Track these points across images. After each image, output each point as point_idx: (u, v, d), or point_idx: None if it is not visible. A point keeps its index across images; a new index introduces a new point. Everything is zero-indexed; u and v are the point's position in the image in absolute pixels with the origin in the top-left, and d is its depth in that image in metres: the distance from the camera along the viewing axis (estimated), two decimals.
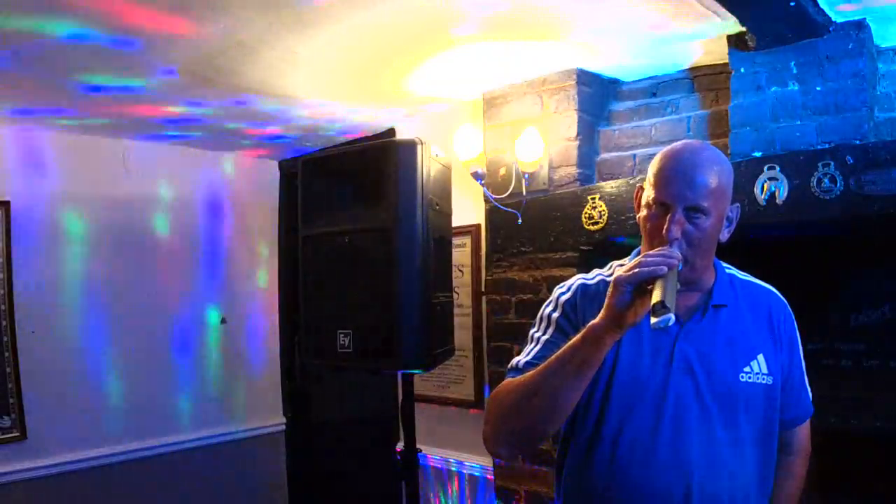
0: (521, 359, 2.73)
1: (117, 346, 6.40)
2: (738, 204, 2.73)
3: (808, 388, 2.92)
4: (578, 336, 2.41)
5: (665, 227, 2.49)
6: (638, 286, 2.29)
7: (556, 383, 2.46)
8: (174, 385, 6.87)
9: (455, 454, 6.01)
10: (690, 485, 2.52)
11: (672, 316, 2.19)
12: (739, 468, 2.62)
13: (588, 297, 2.76)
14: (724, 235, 2.67)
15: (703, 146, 2.69)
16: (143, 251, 6.64)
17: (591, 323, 2.38)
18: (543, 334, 2.76)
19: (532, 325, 2.87)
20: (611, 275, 2.78)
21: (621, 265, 2.84)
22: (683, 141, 2.74)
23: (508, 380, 2.66)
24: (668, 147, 2.66)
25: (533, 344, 2.77)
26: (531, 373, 2.53)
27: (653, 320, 2.20)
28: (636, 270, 2.27)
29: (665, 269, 2.25)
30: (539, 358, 2.63)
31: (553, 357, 2.47)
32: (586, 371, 2.43)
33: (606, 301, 2.33)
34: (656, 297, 2.21)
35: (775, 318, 2.80)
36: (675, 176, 2.52)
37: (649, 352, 2.60)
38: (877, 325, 4.08)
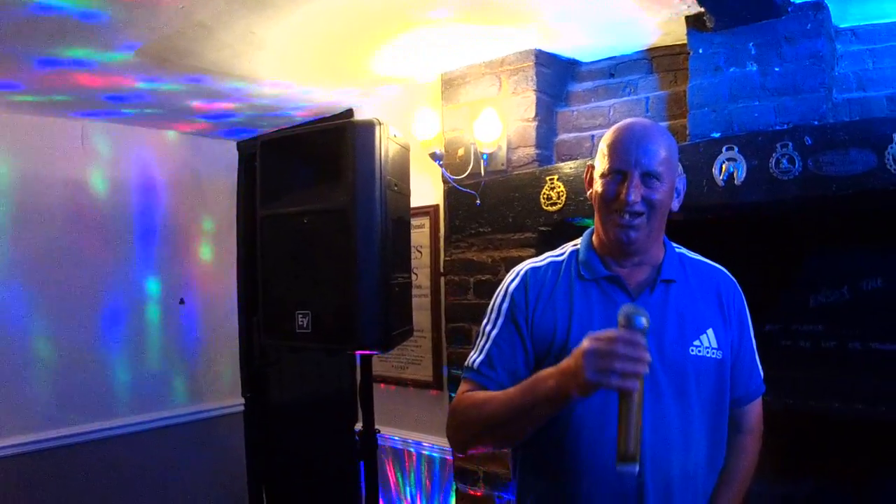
0: (474, 357, 2.81)
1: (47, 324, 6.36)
2: (684, 175, 2.80)
3: (760, 367, 2.97)
4: (540, 390, 2.43)
5: (624, 192, 2.56)
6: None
7: (515, 428, 2.58)
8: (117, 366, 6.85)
9: (413, 435, 6.01)
10: (643, 459, 2.54)
11: (637, 466, 2.22)
12: (689, 442, 2.66)
13: (538, 281, 2.81)
14: (675, 205, 2.75)
15: (650, 121, 2.81)
16: (94, 231, 6.60)
17: (555, 385, 2.38)
18: (493, 328, 2.81)
19: (483, 316, 2.90)
20: (562, 254, 2.87)
21: (574, 246, 2.88)
22: (631, 118, 2.80)
23: (467, 396, 2.73)
24: (618, 123, 2.75)
25: (484, 340, 2.82)
26: (488, 407, 2.62)
27: (618, 463, 2.22)
28: (606, 380, 2.20)
29: (638, 384, 2.22)
30: (493, 356, 2.75)
31: (511, 403, 2.53)
32: (544, 419, 2.51)
33: (577, 373, 2.27)
34: (622, 433, 2.22)
35: (724, 296, 2.84)
36: (630, 145, 2.60)
37: (600, 328, 2.61)
38: (835, 305, 4.10)
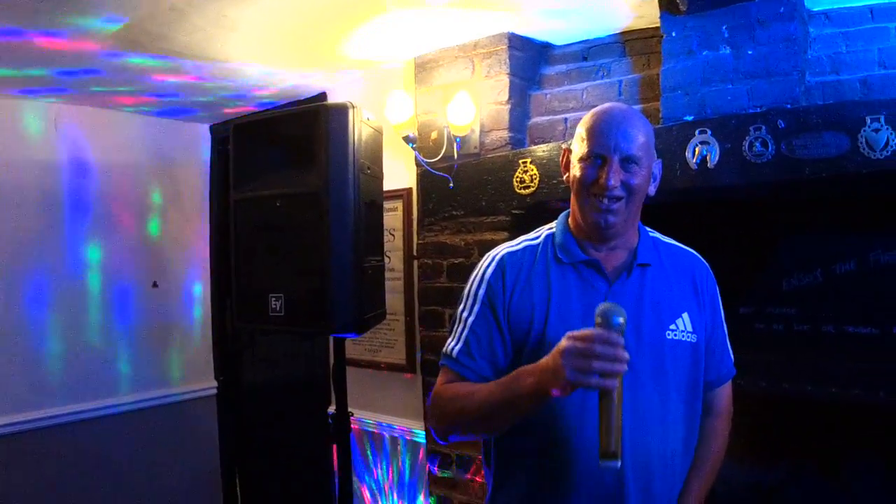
0: (452, 345, 2.80)
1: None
2: (660, 160, 2.81)
3: (730, 350, 3.00)
4: (520, 388, 2.44)
5: (604, 177, 2.57)
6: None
7: (497, 422, 2.61)
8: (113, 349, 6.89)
9: (387, 418, 6.01)
10: (622, 442, 2.56)
11: (619, 462, 2.23)
12: (667, 426, 2.68)
13: (514, 265, 2.81)
14: (652, 190, 2.76)
15: (628, 106, 2.81)
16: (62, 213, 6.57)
17: (535, 382, 2.38)
18: (469, 315, 2.81)
19: (459, 302, 2.90)
20: (537, 237, 2.86)
21: (549, 229, 2.89)
22: (609, 103, 2.81)
23: (447, 387, 2.75)
24: (596, 107, 2.75)
25: (461, 326, 2.81)
26: (468, 400, 2.63)
27: (600, 460, 2.24)
28: (589, 371, 2.20)
29: (616, 383, 2.24)
30: (471, 344, 2.75)
31: (495, 399, 2.53)
32: (525, 413, 2.51)
33: (554, 372, 2.28)
34: (604, 431, 2.24)
35: (698, 280, 2.87)
36: (610, 129, 2.61)
37: (578, 313, 2.64)
38: (808, 289, 4.12)
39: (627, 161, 2.59)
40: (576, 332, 2.27)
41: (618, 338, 2.23)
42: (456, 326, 2.83)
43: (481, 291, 2.80)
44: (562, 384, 2.25)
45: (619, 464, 2.22)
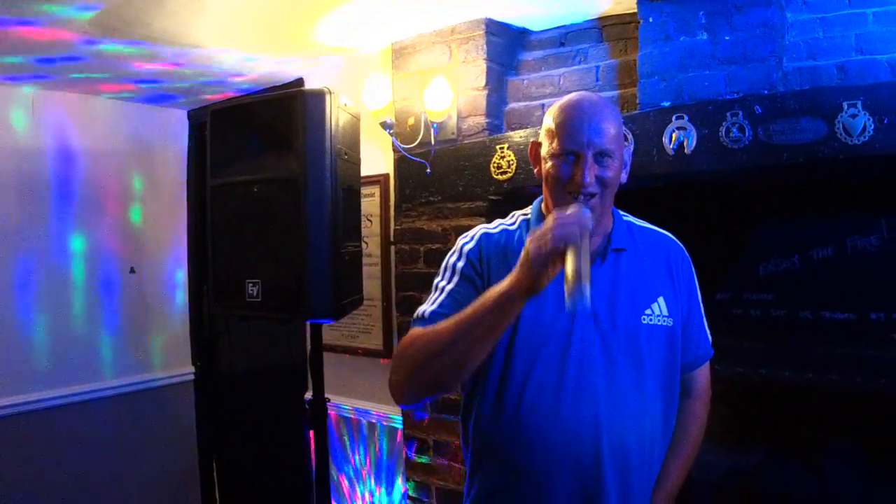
0: (426, 308, 2.74)
1: None
2: (629, 145, 2.82)
3: (708, 332, 3.01)
4: (489, 299, 2.42)
5: (579, 174, 2.55)
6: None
7: (465, 344, 2.47)
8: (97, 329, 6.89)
9: (364, 403, 6.03)
10: (598, 428, 2.59)
11: (588, 298, 2.21)
12: (644, 411, 2.69)
13: (492, 246, 2.80)
14: (623, 177, 2.75)
15: (597, 95, 2.79)
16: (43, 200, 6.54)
17: (501, 287, 2.39)
18: (448, 283, 2.78)
19: (436, 276, 2.88)
20: (513, 223, 2.85)
21: (524, 215, 2.89)
22: (576, 93, 2.80)
23: (416, 330, 2.65)
24: (563, 100, 2.73)
25: (438, 293, 2.78)
26: (439, 328, 2.53)
27: (568, 301, 2.22)
28: (549, 241, 2.26)
29: (577, 231, 2.27)
30: (445, 307, 2.67)
31: (462, 316, 2.47)
32: (496, 333, 2.46)
33: (518, 267, 2.34)
34: (570, 274, 2.23)
35: (673, 263, 2.87)
36: (582, 125, 2.58)
37: (553, 299, 2.63)
38: (786, 274, 4.14)
39: (601, 155, 2.58)
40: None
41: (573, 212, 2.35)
42: (432, 295, 2.80)
43: (460, 264, 2.80)
44: (526, 281, 2.32)
45: (589, 301, 2.21)
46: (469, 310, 2.46)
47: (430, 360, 2.53)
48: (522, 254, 2.34)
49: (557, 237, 2.26)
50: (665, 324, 2.74)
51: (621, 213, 2.92)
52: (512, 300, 2.36)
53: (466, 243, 2.85)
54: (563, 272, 2.26)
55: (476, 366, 2.56)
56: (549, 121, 2.70)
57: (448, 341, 2.48)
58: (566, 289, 2.22)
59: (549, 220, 2.34)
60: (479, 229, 2.90)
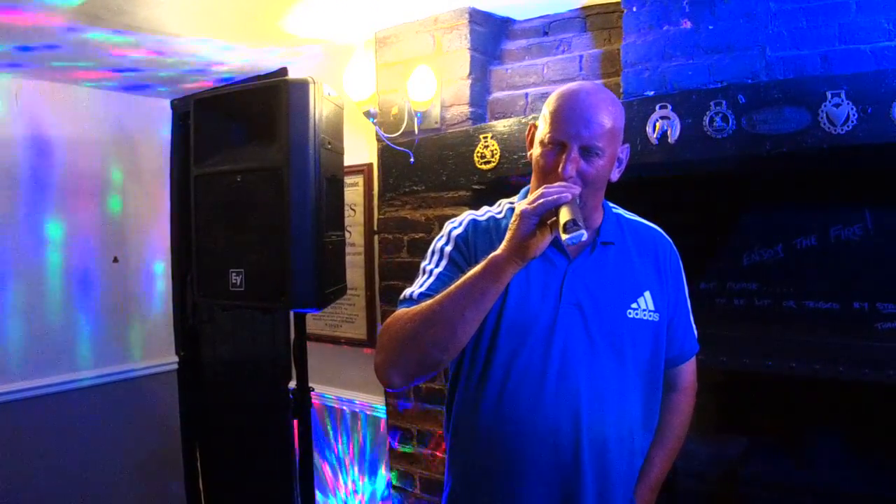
0: (414, 290, 2.74)
1: None
2: (627, 145, 2.79)
3: (694, 326, 3.02)
4: (479, 267, 2.44)
5: (561, 165, 2.53)
6: (541, 217, 2.33)
7: (454, 314, 2.46)
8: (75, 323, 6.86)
9: (347, 393, 6.04)
10: (579, 419, 2.60)
11: (584, 231, 2.24)
12: (625, 403, 2.71)
13: (479, 232, 2.80)
14: (615, 175, 2.74)
15: (599, 87, 2.74)
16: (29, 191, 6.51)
17: (492, 255, 2.42)
18: (436, 266, 2.78)
19: (423, 259, 2.88)
20: (500, 212, 2.85)
21: (511, 203, 2.89)
22: (580, 82, 2.81)
23: (402, 310, 2.65)
24: (565, 87, 2.70)
25: (426, 276, 2.77)
26: (428, 303, 2.53)
27: (564, 237, 2.24)
28: (541, 200, 2.31)
29: (569, 195, 2.31)
30: (433, 290, 2.65)
31: (452, 288, 2.48)
32: (486, 302, 2.46)
33: (509, 233, 2.37)
34: (565, 216, 2.26)
35: (661, 257, 2.87)
36: (573, 116, 2.56)
37: (538, 289, 2.65)
38: (769, 264, 4.14)
39: (587, 150, 2.56)
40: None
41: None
42: (419, 278, 2.80)
43: (448, 248, 2.80)
44: (517, 245, 2.37)
45: (584, 233, 2.25)
46: (458, 281, 2.48)
47: (418, 333, 2.52)
48: (514, 217, 2.37)
49: (548, 194, 2.31)
50: (650, 318, 2.75)
51: (612, 205, 2.92)
52: (501, 266, 2.39)
53: (454, 228, 2.85)
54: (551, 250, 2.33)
55: (465, 340, 2.54)
56: (545, 106, 2.70)
57: (437, 311, 2.48)
58: (560, 229, 2.26)
59: (540, 189, 2.38)
60: (468, 215, 2.90)
